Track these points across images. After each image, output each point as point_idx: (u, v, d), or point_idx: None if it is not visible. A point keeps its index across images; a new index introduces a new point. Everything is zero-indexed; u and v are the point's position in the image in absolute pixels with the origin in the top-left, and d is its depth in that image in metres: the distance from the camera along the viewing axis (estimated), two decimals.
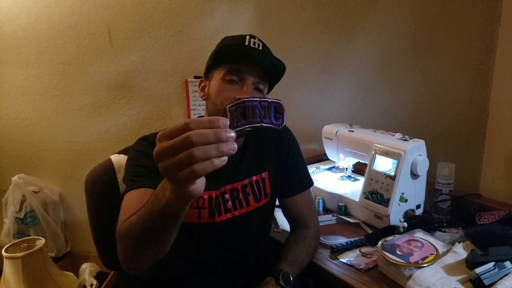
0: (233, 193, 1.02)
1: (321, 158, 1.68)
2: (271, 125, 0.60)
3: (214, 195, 0.99)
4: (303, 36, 1.71)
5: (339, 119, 1.69)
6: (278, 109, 0.61)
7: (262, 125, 0.60)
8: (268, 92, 1.03)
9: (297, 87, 1.76)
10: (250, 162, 1.04)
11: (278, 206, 1.16)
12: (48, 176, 1.84)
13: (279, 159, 1.10)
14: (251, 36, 0.96)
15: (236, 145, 0.54)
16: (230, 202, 1.01)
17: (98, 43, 1.69)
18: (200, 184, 0.58)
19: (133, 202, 0.83)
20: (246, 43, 0.94)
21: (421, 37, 1.70)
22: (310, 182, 1.16)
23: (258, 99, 0.60)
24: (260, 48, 0.95)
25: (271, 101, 0.60)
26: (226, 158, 0.54)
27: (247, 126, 0.59)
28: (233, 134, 0.54)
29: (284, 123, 0.62)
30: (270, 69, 0.96)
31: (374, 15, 1.69)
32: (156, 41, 1.69)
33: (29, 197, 1.73)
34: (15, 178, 1.74)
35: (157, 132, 0.92)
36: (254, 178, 1.04)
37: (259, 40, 0.96)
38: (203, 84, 1.02)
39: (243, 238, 1.04)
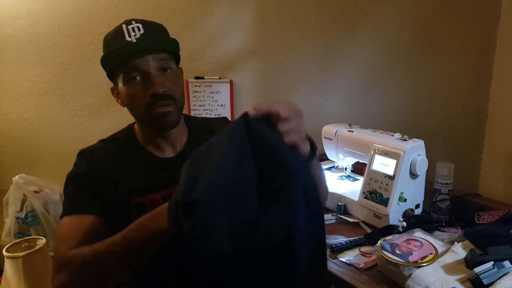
0: None
1: (321, 158, 1.68)
2: None
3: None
4: (302, 37, 1.71)
5: (339, 119, 1.70)
6: None
7: None
8: (178, 60, 1.00)
9: (297, 87, 1.76)
10: None
11: None
12: (49, 176, 1.85)
13: None
14: (127, 23, 0.91)
15: None
16: None
17: (99, 43, 1.67)
18: None
19: (76, 229, 0.84)
20: (126, 36, 0.89)
21: (420, 38, 1.71)
22: None
23: None
24: (141, 31, 0.90)
25: None
26: None
27: None
28: None
29: None
30: (164, 46, 0.94)
31: (374, 15, 1.69)
32: None
33: (30, 197, 1.73)
34: (16, 178, 1.74)
35: (98, 143, 1.00)
36: None
37: (136, 22, 0.91)
38: (115, 91, 0.97)
39: None
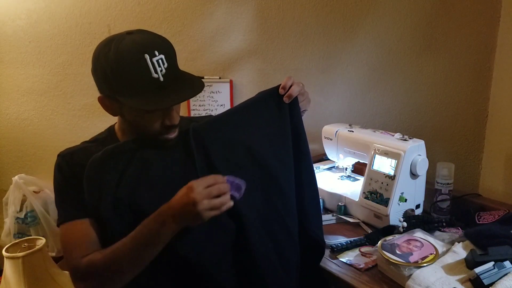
0: None
1: (321, 158, 1.68)
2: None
3: None
4: (302, 37, 1.71)
5: (339, 119, 1.69)
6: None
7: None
8: None
9: None
10: None
11: None
12: (48, 176, 1.82)
13: None
14: (150, 54, 0.83)
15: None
16: None
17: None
18: None
19: (77, 235, 0.88)
20: (152, 72, 0.83)
21: (420, 38, 1.71)
22: None
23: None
24: (165, 66, 0.85)
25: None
26: None
27: None
28: None
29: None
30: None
31: (374, 15, 1.69)
32: None
33: (29, 197, 1.73)
34: (15, 178, 1.74)
35: (80, 144, 1.05)
36: None
37: (158, 53, 0.84)
38: (107, 103, 0.92)
39: None
